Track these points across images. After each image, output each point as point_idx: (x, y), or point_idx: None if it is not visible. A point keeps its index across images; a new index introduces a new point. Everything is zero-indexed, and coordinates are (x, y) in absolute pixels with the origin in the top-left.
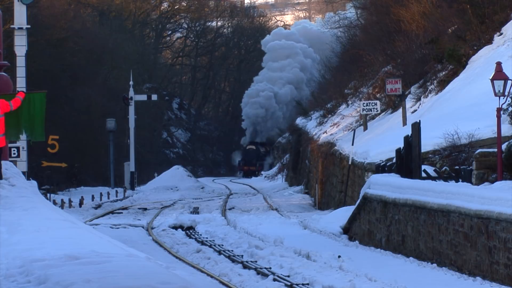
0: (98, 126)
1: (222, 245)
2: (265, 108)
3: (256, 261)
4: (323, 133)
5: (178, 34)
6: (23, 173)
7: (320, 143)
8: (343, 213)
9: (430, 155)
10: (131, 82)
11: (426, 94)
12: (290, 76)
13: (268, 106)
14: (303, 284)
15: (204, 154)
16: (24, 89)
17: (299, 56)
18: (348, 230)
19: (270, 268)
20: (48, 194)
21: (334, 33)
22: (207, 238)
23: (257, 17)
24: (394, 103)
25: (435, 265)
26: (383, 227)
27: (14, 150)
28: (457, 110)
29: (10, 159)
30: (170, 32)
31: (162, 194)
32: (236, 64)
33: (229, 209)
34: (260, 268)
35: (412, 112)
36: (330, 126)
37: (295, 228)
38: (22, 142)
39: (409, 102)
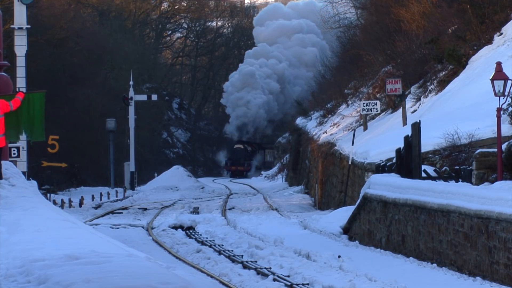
0: (98, 126)
1: (222, 245)
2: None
3: (256, 261)
4: (323, 133)
5: (178, 34)
6: (23, 173)
7: (320, 143)
8: (343, 213)
9: (430, 155)
10: (131, 82)
11: (426, 94)
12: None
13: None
14: (303, 284)
15: (204, 154)
16: (24, 89)
17: (308, 35)
18: (348, 230)
19: (270, 268)
20: (48, 194)
21: (334, 32)
22: (207, 238)
23: None
24: (394, 103)
25: (435, 265)
26: (383, 227)
27: (14, 150)
28: (457, 110)
29: (10, 159)
30: (170, 32)
31: (162, 194)
32: (236, 64)
33: (229, 209)
34: (260, 268)
35: (412, 112)
36: (330, 126)
37: (295, 228)
38: (22, 142)
39: (409, 102)
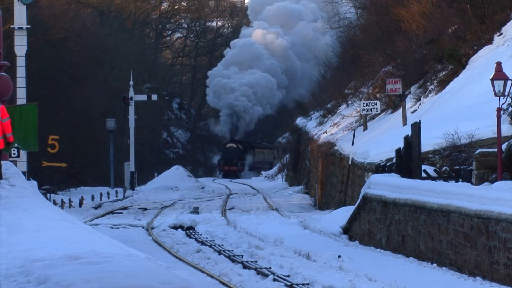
0: (98, 126)
1: (222, 245)
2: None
3: (256, 261)
4: (323, 133)
5: (178, 34)
6: (23, 173)
7: (320, 143)
8: (343, 213)
9: (430, 155)
10: (131, 82)
11: (426, 94)
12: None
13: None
14: (303, 284)
15: (204, 154)
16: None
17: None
18: (348, 230)
19: (270, 268)
20: (48, 194)
21: (334, 32)
22: (207, 238)
23: None
24: (394, 103)
25: (435, 265)
26: (383, 227)
27: (14, 150)
28: (457, 110)
29: (10, 159)
30: (170, 32)
31: (162, 194)
32: None
33: (229, 209)
34: (260, 268)
35: (412, 112)
36: (330, 126)
37: (295, 228)
38: None
39: (409, 102)
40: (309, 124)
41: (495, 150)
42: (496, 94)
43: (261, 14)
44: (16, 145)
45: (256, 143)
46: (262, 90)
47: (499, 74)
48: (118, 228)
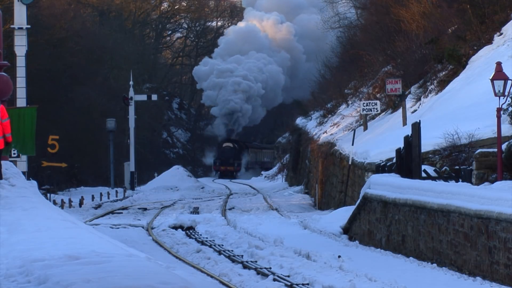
0: (98, 126)
1: (222, 245)
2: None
3: (256, 261)
4: (323, 133)
5: (178, 34)
6: (23, 173)
7: (320, 143)
8: (343, 213)
9: (430, 155)
10: (131, 82)
11: (426, 94)
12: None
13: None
14: (303, 284)
15: (204, 154)
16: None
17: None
18: (348, 230)
19: (270, 268)
20: (48, 194)
21: (334, 32)
22: (207, 238)
23: None
24: (394, 103)
25: (435, 265)
26: (383, 227)
27: (14, 150)
28: (457, 110)
29: (10, 159)
30: (170, 32)
31: (162, 194)
32: None
33: (229, 209)
34: (260, 268)
35: (412, 112)
36: (330, 126)
37: (295, 228)
38: None
39: (409, 102)
40: (309, 124)
41: (495, 150)
42: (496, 94)
43: (255, 6)
44: (13, 148)
45: (249, 142)
46: (270, 88)
47: (499, 74)
48: (118, 228)
